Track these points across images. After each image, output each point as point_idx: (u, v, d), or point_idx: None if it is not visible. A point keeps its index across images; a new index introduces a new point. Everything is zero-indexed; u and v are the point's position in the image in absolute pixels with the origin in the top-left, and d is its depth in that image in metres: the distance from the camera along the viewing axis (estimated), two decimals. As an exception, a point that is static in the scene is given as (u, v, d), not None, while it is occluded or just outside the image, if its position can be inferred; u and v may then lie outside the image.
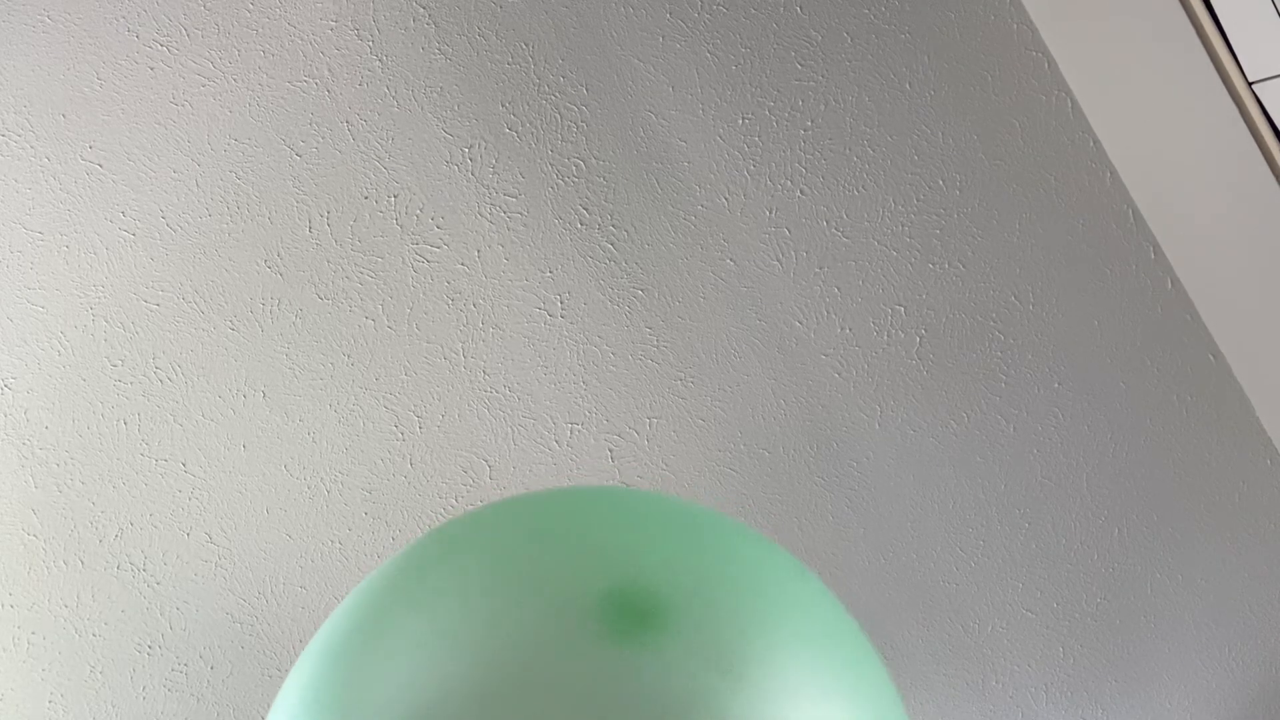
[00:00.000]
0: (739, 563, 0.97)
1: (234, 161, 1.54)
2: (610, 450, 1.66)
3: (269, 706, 1.69)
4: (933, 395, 1.64)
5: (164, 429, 1.61)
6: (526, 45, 1.53)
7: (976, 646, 1.75)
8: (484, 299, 1.60)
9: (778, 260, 1.59)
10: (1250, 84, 1.43)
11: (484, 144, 1.56)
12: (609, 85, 1.54)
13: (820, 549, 1.71)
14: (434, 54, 1.53)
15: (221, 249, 1.57)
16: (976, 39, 1.50)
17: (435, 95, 1.54)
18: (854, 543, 1.71)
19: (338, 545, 1.67)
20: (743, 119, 1.55)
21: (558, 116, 1.55)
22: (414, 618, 0.92)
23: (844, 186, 1.56)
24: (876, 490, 1.68)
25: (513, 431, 1.65)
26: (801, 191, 1.57)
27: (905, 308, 1.60)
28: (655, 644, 0.90)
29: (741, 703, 0.89)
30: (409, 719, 0.87)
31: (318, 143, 1.55)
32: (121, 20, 1.50)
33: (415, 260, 1.58)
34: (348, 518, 1.66)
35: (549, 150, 1.56)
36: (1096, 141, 1.51)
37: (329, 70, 1.53)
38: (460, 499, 1.67)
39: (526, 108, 1.54)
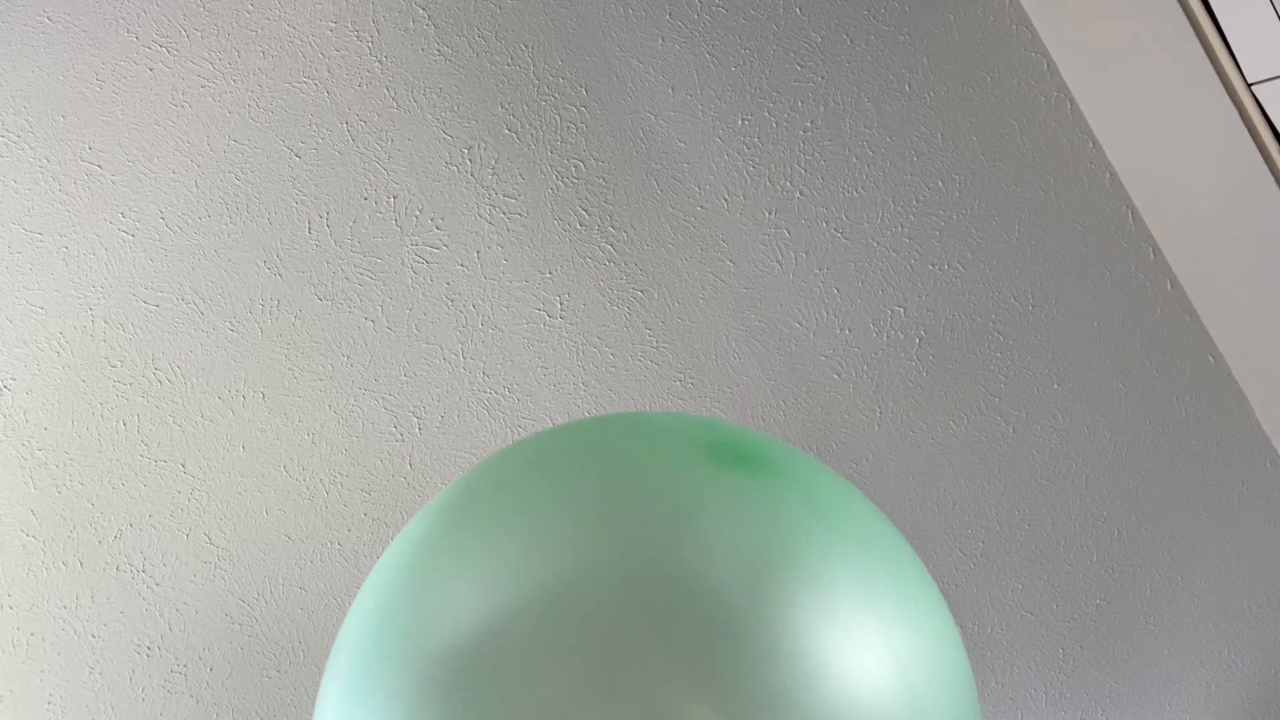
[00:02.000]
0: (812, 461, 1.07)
1: (233, 162, 1.54)
2: (610, 451, 1.66)
3: (268, 708, 1.69)
4: (932, 396, 1.64)
5: (163, 430, 1.61)
6: (526, 46, 1.53)
7: (976, 647, 1.75)
8: (483, 300, 1.60)
9: (777, 261, 1.59)
10: (1249, 85, 1.43)
11: (483, 145, 1.56)
12: (608, 86, 1.54)
13: (820, 550, 1.71)
14: (433, 55, 1.53)
15: (221, 250, 1.57)
16: (976, 40, 1.50)
17: (435, 96, 1.54)
18: (853, 544, 1.71)
19: (337, 546, 1.66)
20: (742, 120, 1.55)
21: (557, 117, 1.55)
22: (535, 476, 1.01)
23: (843, 187, 1.56)
24: (876, 491, 1.68)
25: (512, 432, 1.65)
26: (801, 192, 1.57)
27: (905, 309, 1.60)
28: (758, 478, 0.98)
29: (836, 539, 0.96)
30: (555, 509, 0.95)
31: (317, 144, 1.55)
32: (121, 21, 1.50)
33: (415, 261, 1.58)
34: (347, 519, 1.66)
35: (548, 151, 1.56)
36: (1096, 143, 1.51)
37: (328, 71, 1.53)
38: (460, 500, 1.67)
39: (526, 109, 1.54)
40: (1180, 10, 1.41)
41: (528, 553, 0.93)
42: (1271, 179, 1.46)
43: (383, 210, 1.57)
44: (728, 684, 0.87)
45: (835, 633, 0.91)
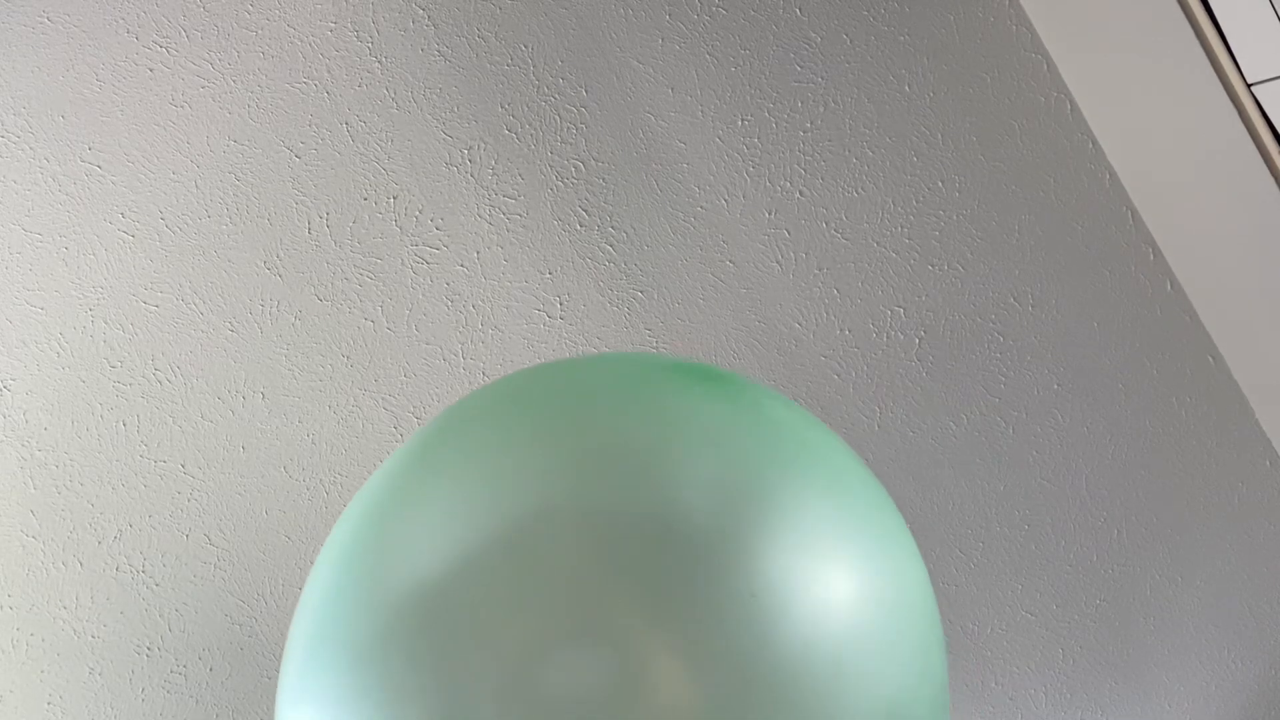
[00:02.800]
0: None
1: (233, 163, 1.54)
2: (610, 452, 1.66)
3: (268, 708, 1.69)
4: (932, 397, 1.64)
5: (163, 430, 1.61)
6: (526, 47, 1.53)
7: (976, 648, 1.75)
8: (483, 300, 1.60)
9: (777, 262, 1.59)
10: (1249, 85, 1.43)
11: (483, 145, 1.56)
12: (608, 87, 1.54)
13: (820, 550, 1.71)
14: (433, 55, 1.53)
15: (221, 250, 1.57)
16: (976, 41, 1.50)
17: (434, 97, 1.54)
18: (853, 544, 1.71)
19: (337, 547, 1.66)
20: (742, 120, 1.55)
21: (557, 118, 1.55)
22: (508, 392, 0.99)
23: (843, 188, 1.56)
24: (876, 491, 1.68)
25: (512, 433, 1.65)
26: (801, 193, 1.57)
27: (904, 309, 1.60)
28: (732, 392, 0.96)
29: (802, 466, 0.93)
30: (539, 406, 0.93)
31: (317, 144, 1.55)
32: (121, 22, 1.50)
33: (414, 261, 1.58)
34: (347, 519, 1.66)
35: (548, 152, 1.56)
36: (1095, 143, 1.51)
37: (328, 72, 1.53)
38: (459, 500, 1.67)
39: (526, 109, 1.55)
40: (1180, 11, 1.41)
41: (488, 493, 0.89)
42: (1271, 179, 1.46)
43: (383, 211, 1.57)
44: (698, 621, 0.84)
45: (806, 564, 0.88)
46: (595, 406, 0.95)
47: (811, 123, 1.54)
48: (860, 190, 1.56)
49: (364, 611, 0.88)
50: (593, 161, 1.56)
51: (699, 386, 0.97)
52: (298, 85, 1.53)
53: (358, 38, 1.52)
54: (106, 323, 1.57)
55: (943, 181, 1.55)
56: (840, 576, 0.89)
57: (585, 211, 1.58)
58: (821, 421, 1.05)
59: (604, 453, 0.90)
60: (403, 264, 1.58)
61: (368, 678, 0.86)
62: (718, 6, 1.51)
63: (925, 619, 0.95)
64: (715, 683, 0.83)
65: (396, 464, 0.98)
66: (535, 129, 1.55)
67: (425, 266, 1.58)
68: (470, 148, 1.55)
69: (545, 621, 0.84)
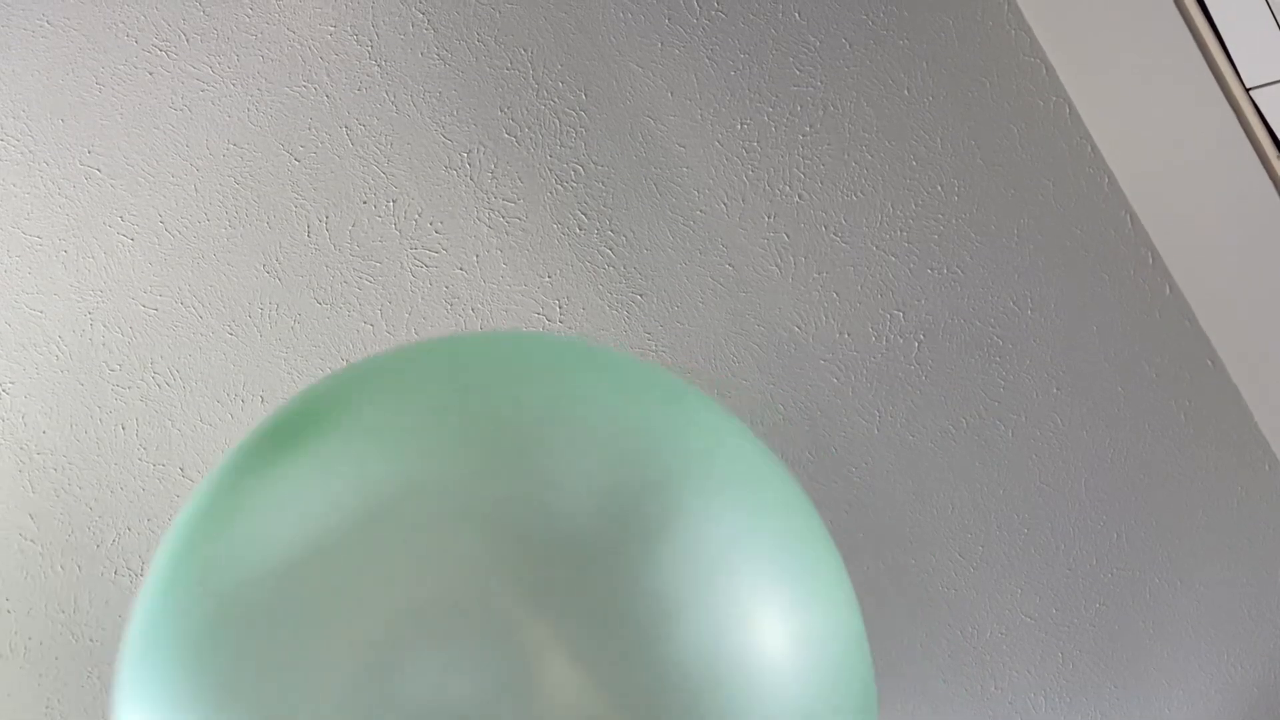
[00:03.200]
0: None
1: (233, 166, 1.54)
2: (609, 455, 1.66)
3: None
4: (931, 400, 1.64)
5: (162, 434, 1.61)
6: (525, 50, 1.53)
7: (975, 652, 1.75)
8: (482, 303, 1.60)
9: (776, 265, 1.59)
10: (1248, 90, 1.43)
11: (483, 149, 1.56)
12: (608, 90, 1.54)
13: (819, 554, 1.71)
14: (433, 59, 1.53)
15: (220, 254, 1.57)
16: (975, 45, 1.50)
17: (434, 100, 1.54)
18: (852, 548, 1.71)
19: (336, 550, 1.66)
20: (741, 124, 1.55)
21: (556, 121, 1.55)
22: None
23: (842, 192, 1.56)
24: (875, 495, 1.68)
25: (511, 436, 1.64)
26: (800, 197, 1.57)
27: (904, 313, 1.61)
28: (613, 369, 0.87)
29: (702, 460, 0.83)
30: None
31: (316, 147, 1.55)
32: (120, 25, 1.50)
33: (414, 265, 1.58)
34: (346, 523, 1.65)
35: (548, 155, 1.56)
36: (1094, 147, 1.52)
37: (328, 75, 1.53)
38: (458, 504, 1.66)
39: (525, 113, 1.55)
40: (1178, 15, 1.42)
41: (344, 469, 0.77)
42: (1269, 182, 1.46)
43: (382, 214, 1.57)
44: (582, 617, 0.73)
45: (703, 570, 0.77)
46: (471, 385, 0.83)
47: (811, 126, 1.54)
48: (859, 194, 1.56)
49: (195, 602, 0.76)
50: (592, 165, 1.56)
51: (578, 367, 0.86)
52: (297, 89, 1.53)
53: (357, 41, 1.52)
54: (105, 326, 1.57)
55: (942, 185, 1.56)
56: (746, 585, 0.79)
57: (584, 215, 1.58)
58: (717, 402, 0.94)
59: (481, 432, 0.79)
60: (402, 267, 1.58)
61: (199, 677, 0.74)
62: (717, 10, 1.52)
63: (844, 620, 0.86)
64: (605, 686, 0.73)
65: (246, 443, 0.86)
66: (534, 132, 1.55)
67: (424, 270, 1.58)
68: (470, 151, 1.56)
69: (404, 612, 0.71)
